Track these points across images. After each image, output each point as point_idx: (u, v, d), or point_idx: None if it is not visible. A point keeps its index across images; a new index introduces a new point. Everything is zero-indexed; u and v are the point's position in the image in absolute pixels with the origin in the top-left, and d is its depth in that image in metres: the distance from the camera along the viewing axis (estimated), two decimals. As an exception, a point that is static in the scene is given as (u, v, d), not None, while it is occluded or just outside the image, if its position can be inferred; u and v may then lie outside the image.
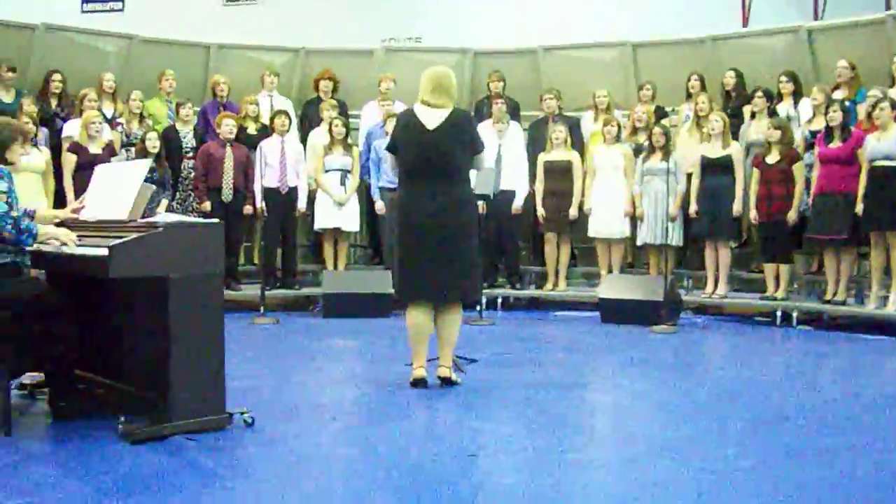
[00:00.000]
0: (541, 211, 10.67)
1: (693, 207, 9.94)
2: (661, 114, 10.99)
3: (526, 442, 4.99)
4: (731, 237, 10.05)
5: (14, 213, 5.05)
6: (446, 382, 6.26)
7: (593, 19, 12.90)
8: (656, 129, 10.08)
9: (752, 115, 10.25)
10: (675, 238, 10.08)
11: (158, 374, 4.99)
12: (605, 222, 10.42)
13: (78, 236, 5.24)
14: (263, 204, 10.22)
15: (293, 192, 10.64)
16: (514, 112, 11.37)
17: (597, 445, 5.09)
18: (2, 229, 5.02)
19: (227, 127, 10.33)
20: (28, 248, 5.20)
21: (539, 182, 10.68)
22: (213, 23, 13.88)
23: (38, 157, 9.33)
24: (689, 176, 10.08)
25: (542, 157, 10.71)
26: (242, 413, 5.18)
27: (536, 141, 11.08)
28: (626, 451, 4.88)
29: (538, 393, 6.21)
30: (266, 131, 10.85)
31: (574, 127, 11.08)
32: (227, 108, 11.17)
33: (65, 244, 5.16)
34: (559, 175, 10.57)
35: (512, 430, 5.27)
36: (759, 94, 10.13)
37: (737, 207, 9.75)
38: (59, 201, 9.40)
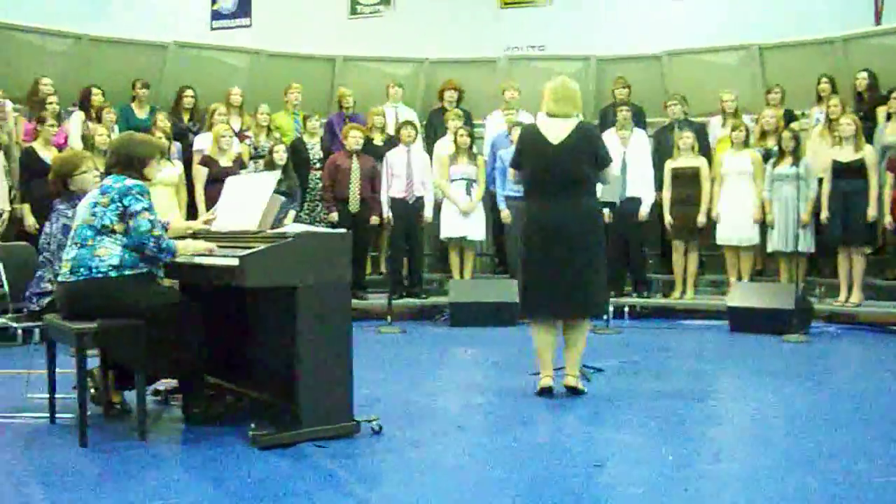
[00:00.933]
0: (668, 218, 10.54)
1: (824, 213, 9.68)
2: (790, 117, 10.72)
3: (653, 452, 4.92)
4: (864, 243, 9.75)
5: (156, 232, 5.18)
6: (573, 391, 6.22)
7: (718, 22, 12.63)
8: (786, 134, 9.86)
9: (888, 117, 9.94)
10: (807, 245, 9.84)
11: (287, 382, 5.06)
12: (734, 229, 10.23)
13: (209, 247, 5.37)
14: (390, 214, 10.31)
15: (419, 201, 10.71)
16: (638, 118, 11.26)
17: (726, 457, 4.96)
18: (145, 247, 5.16)
19: (353, 138, 10.45)
20: (161, 259, 5.33)
21: (666, 189, 10.55)
22: (338, 36, 14.02)
23: (172, 171, 9.58)
24: (821, 181, 9.82)
25: (669, 164, 10.58)
26: (370, 421, 5.22)
27: (662, 147, 10.95)
28: (757, 463, 4.75)
29: (666, 402, 6.12)
30: (392, 142, 10.95)
31: (700, 132, 10.92)
32: (353, 120, 11.31)
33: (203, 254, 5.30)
34: (687, 181, 10.43)
35: (639, 441, 5.19)
36: (895, 95, 9.82)
37: (871, 212, 9.47)
38: (191, 213, 9.63)
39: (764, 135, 10.50)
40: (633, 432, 5.37)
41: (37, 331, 6.42)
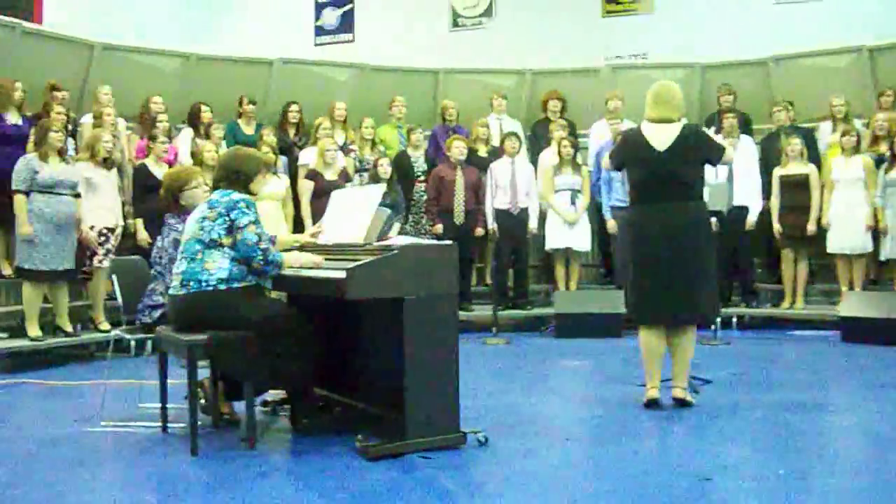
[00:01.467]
0: (777, 226, 10.34)
1: (940, 220, 9.42)
2: (903, 122, 10.47)
3: (764, 467, 4.81)
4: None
5: (263, 245, 5.25)
6: (681, 403, 6.12)
7: (825, 25, 12.37)
8: (898, 138, 9.61)
9: None
10: (923, 252, 9.57)
11: (395, 393, 5.08)
12: (846, 237, 10.01)
13: (316, 259, 5.43)
14: (495, 225, 10.30)
15: (524, 212, 10.68)
16: (745, 126, 11.08)
17: (841, 473, 4.82)
18: (252, 259, 5.24)
19: (457, 149, 10.48)
20: (269, 272, 5.40)
21: (775, 197, 10.36)
22: (441, 48, 14.11)
23: (279, 185, 9.70)
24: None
25: (778, 171, 10.39)
26: (476, 432, 5.21)
27: (769, 154, 10.76)
28: (873, 479, 4.62)
29: (776, 415, 5.99)
30: (496, 153, 10.96)
31: (808, 138, 10.70)
32: (457, 132, 11.34)
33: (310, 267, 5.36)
34: (796, 189, 10.22)
35: (749, 454, 5.09)
36: None
37: None
38: (298, 226, 9.74)
39: (876, 140, 10.26)
40: (742, 446, 5.28)
41: (149, 342, 6.57)
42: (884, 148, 10.01)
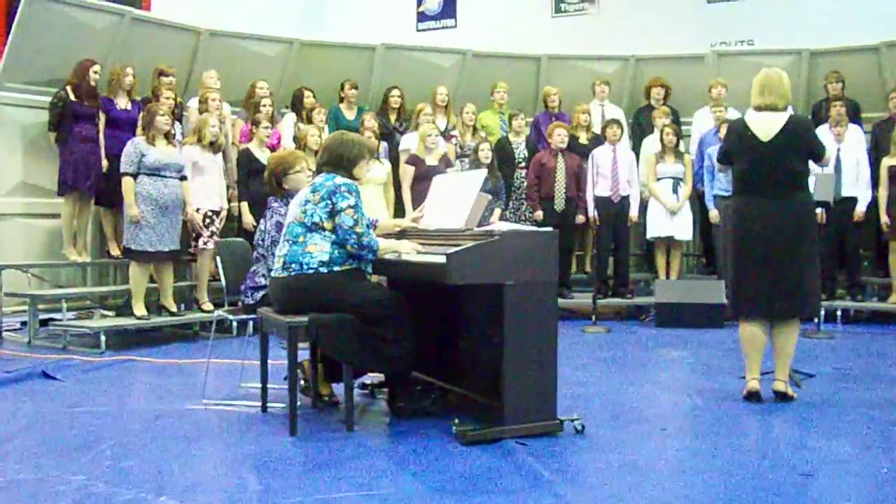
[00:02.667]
0: (884, 218, 10.09)
1: None
2: None
3: (867, 463, 4.70)
4: None
5: (358, 229, 5.28)
6: (781, 397, 6.02)
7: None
8: None
9: None
10: None
11: (493, 379, 5.09)
12: (958, 229, 9.72)
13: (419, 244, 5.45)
14: (595, 213, 10.24)
15: (625, 200, 10.61)
16: (854, 114, 10.83)
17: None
18: (346, 242, 5.28)
19: (558, 136, 10.44)
20: (369, 256, 5.44)
21: (882, 187, 10.11)
22: (543, 34, 14.07)
23: (380, 170, 9.77)
24: None
25: (886, 162, 10.13)
26: (573, 420, 5.19)
27: (880, 144, 10.51)
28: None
29: (881, 412, 5.85)
30: (598, 140, 10.89)
31: (922, 128, 10.43)
32: (559, 118, 11.28)
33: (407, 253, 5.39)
34: (905, 180, 9.97)
35: (851, 450, 4.97)
36: None
37: None
38: (399, 211, 9.80)
39: None
40: (845, 441, 5.15)
41: (251, 323, 6.66)
42: None
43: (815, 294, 6.19)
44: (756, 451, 5.03)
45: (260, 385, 5.81)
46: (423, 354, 5.65)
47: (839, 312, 10.29)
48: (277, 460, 4.68)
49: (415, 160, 10.12)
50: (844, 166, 10.05)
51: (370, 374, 6.10)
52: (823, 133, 9.84)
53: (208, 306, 9.25)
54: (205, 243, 9.11)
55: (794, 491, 4.21)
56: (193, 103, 10.14)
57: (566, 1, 14.69)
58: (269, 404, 5.79)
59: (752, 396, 6.00)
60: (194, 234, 9.15)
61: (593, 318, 9.76)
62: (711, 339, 9.01)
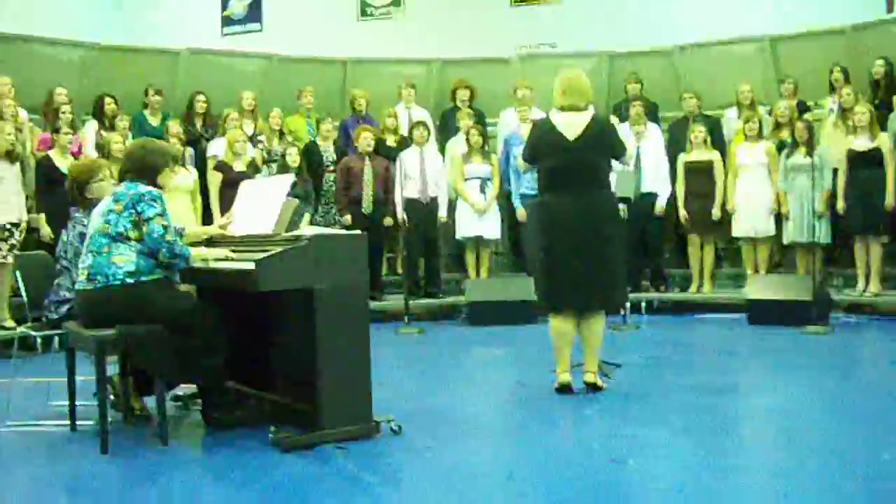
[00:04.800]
0: (683, 213, 10.51)
1: (840, 203, 9.63)
2: (803, 108, 10.69)
3: (676, 448, 4.90)
4: (882, 232, 9.66)
5: (169, 238, 5.19)
6: (592, 388, 6.19)
7: (729, 14, 12.58)
8: (799, 125, 9.80)
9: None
10: (824, 235, 9.80)
11: (307, 384, 5.07)
12: (751, 221, 10.19)
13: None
14: (405, 215, 10.29)
15: (434, 202, 10.70)
16: (652, 113, 11.24)
17: (753, 450, 4.94)
18: (157, 252, 5.18)
19: (364, 140, 10.46)
20: (176, 264, 5.35)
21: (680, 183, 10.53)
22: (349, 38, 14.05)
23: (187, 177, 9.59)
24: (836, 171, 9.77)
25: (683, 158, 10.55)
26: (389, 421, 5.22)
27: (677, 141, 10.93)
28: (784, 456, 4.74)
29: (688, 397, 6.10)
30: (405, 143, 10.96)
31: (714, 126, 10.89)
32: (367, 122, 11.31)
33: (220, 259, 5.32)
34: (700, 175, 10.40)
35: (663, 436, 5.17)
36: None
37: (889, 201, 9.40)
38: (207, 218, 9.65)
39: (778, 126, 10.46)
40: (655, 428, 5.35)
41: (56, 339, 6.45)
42: (786, 134, 10.24)
43: (622, 287, 6.42)
44: (570, 443, 5.18)
45: (68, 403, 5.63)
46: (236, 363, 5.59)
47: (644, 304, 10.65)
48: (90, 480, 4.57)
49: (222, 166, 9.97)
50: (644, 163, 10.38)
51: (183, 386, 5.99)
52: (624, 132, 10.15)
53: (10, 323, 8.89)
54: (3, 257, 8.76)
55: (609, 479, 4.36)
56: (-15, 112, 9.74)
57: (372, 5, 14.72)
58: (78, 422, 5.60)
59: (564, 389, 6.14)
60: (-8, 249, 8.80)
61: (406, 319, 9.81)
62: (523, 336, 9.17)
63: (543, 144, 6.24)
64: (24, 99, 9.94)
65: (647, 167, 10.38)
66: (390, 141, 11.10)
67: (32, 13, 12.65)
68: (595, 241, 6.05)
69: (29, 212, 9.19)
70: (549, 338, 6.26)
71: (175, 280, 5.40)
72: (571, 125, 6.13)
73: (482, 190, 10.65)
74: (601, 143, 6.14)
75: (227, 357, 5.36)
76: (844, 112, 9.95)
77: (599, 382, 6.23)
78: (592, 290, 6.08)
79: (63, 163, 9.01)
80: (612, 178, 6.44)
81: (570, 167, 6.10)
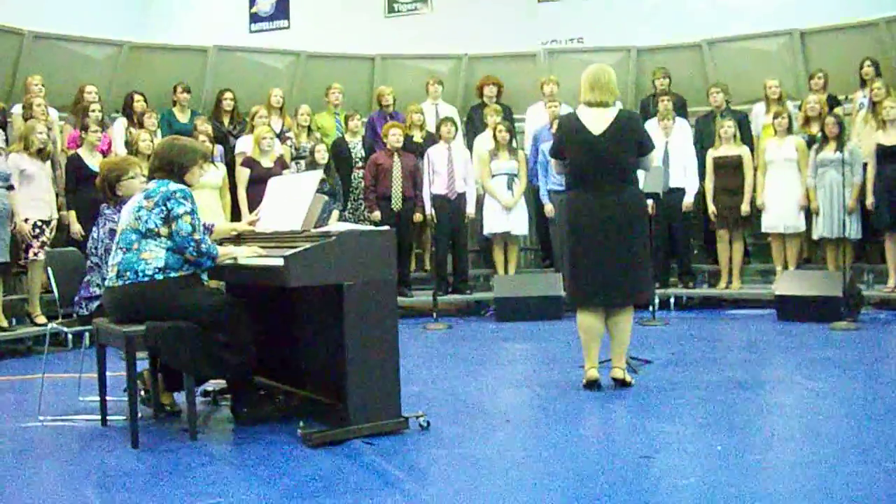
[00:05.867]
0: (711, 208, 10.47)
1: (870, 198, 9.56)
2: (833, 102, 10.59)
3: (704, 443, 4.89)
4: (912, 228, 9.59)
5: (196, 236, 5.22)
6: (620, 384, 6.20)
7: (758, 8, 12.53)
8: (829, 119, 9.74)
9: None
10: (854, 231, 9.72)
11: (336, 380, 5.09)
12: (780, 217, 10.14)
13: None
14: (433, 211, 10.30)
15: (461, 198, 10.71)
16: (680, 108, 11.20)
17: (779, 446, 4.92)
18: (185, 250, 5.21)
19: (393, 136, 10.47)
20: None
21: (708, 179, 10.48)
22: (377, 34, 14.09)
23: (216, 174, 9.62)
24: (866, 166, 9.69)
25: (711, 153, 10.51)
26: (418, 417, 5.24)
27: (704, 136, 10.89)
28: (811, 452, 4.71)
29: (715, 393, 6.08)
30: (433, 139, 10.96)
31: (742, 121, 10.84)
32: (394, 118, 11.32)
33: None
34: (729, 170, 10.36)
35: (689, 432, 5.16)
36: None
37: (917, 197, 9.33)
38: (235, 214, 9.69)
39: (808, 121, 10.41)
40: (682, 423, 5.35)
41: (87, 335, 6.49)
42: (815, 129, 10.18)
43: (648, 282, 6.40)
44: (597, 438, 5.17)
45: (98, 398, 5.66)
46: (265, 358, 5.62)
47: (672, 300, 10.61)
48: (120, 474, 4.59)
49: (250, 163, 10.01)
50: (672, 158, 10.37)
51: (212, 382, 6.03)
52: (652, 127, 10.15)
53: (41, 319, 8.96)
54: (35, 254, 8.82)
55: (636, 473, 4.35)
56: (17, 109, 9.81)
57: (399, 1, 14.74)
58: (109, 417, 5.64)
59: (592, 385, 6.14)
60: (24, 246, 8.85)
61: (434, 314, 9.83)
62: (550, 331, 9.17)
63: (569, 140, 6.24)
64: (53, 97, 10.03)
65: (675, 162, 10.36)
66: (417, 137, 11.11)
67: (62, 12, 12.73)
68: (621, 236, 6.04)
69: (59, 209, 9.26)
70: (578, 333, 6.26)
71: (203, 277, 5.43)
72: (597, 120, 6.12)
73: (509, 186, 10.64)
74: (627, 138, 6.12)
75: (255, 353, 5.37)
76: (874, 106, 9.88)
77: (627, 378, 6.22)
78: (619, 285, 6.07)
79: (92, 160, 9.05)
80: (640, 173, 6.41)
81: (596, 162, 6.08)
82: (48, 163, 9.10)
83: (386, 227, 5.61)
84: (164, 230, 5.21)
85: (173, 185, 5.29)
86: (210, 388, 6.18)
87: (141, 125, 10.00)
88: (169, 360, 5.27)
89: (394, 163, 10.49)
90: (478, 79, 12.17)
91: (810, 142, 10.06)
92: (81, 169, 9.10)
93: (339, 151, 10.76)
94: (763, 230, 10.39)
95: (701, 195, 10.58)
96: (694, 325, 9.57)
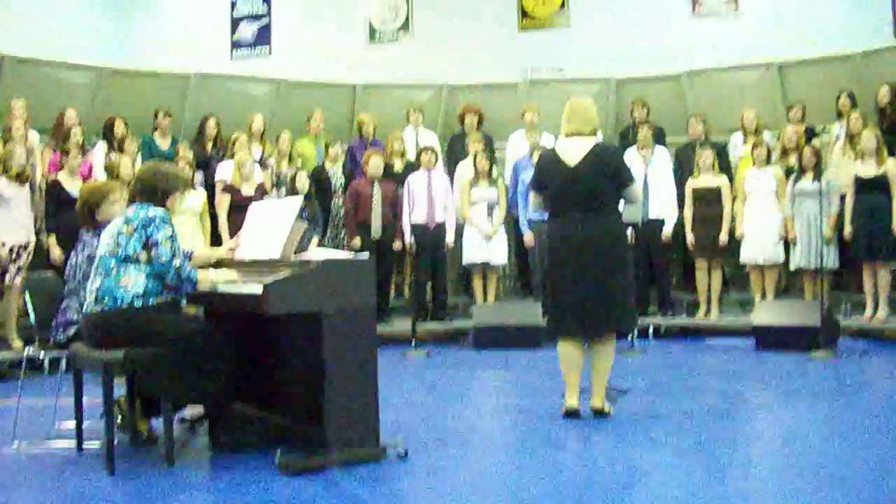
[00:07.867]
0: (690, 237, 10.51)
1: (847, 229, 9.63)
2: (810, 134, 10.70)
3: (683, 472, 4.90)
4: (889, 258, 9.64)
5: (176, 262, 5.22)
6: (599, 413, 6.19)
7: (736, 41, 12.62)
8: (806, 150, 9.84)
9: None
10: (831, 261, 9.78)
11: (314, 407, 5.07)
12: (758, 247, 10.18)
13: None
14: (412, 239, 10.31)
15: (441, 226, 10.71)
16: (659, 138, 11.25)
17: (759, 476, 4.94)
18: (164, 276, 5.20)
19: (374, 164, 10.48)
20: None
21: (688, 208, 10.52)
22: (359, 62, 14.11)
23: (196, 200, 9.61)
24: (843, 196, 9.77)
25: (691, 183, 10.55)
26: (396, 445, 5.22)
27: (684, 166, 10.94)
28: (790, 481, 4.73)
29: (694, 422, 6.09)
30: (413, 167, 10.98)
31: (721, 151, 10.91)
32: (374, 146, 11.34)
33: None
34: (708, 200, 10.40)
35: (668, 461, 5.17)
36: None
37: (895, 226, 9.39)
38: (215, 241, 9.67)
39: (786, 152, 10.49)
40: (661, 452, 5.35)
41: (64, 360, 6.45)
42: (793, 160, 10.24)
43: (631, 312, 6.40)
44: (577, 467, 5.17)
45: (75, 424, 5.63)
46: (243, 385, 5.60)
47: (651, 329, 10.61)
48: (95, 501, 4.56)
49: (230, 189, 10.01)
50: (651, 188, 10.41)
51: (190, 408, 6.00)
52: (632, 155, 10.19)
53: (18, 344, 8.91)
54: (12, 279, 8.78)
55: (615, 502, 4.34)
56: (-5, 132, 9.79)
57: (380, 30, 14.77)
58: (85, 443, 5.61)
59: (571, 414, 6.13)
60: (0, 270, 8.81)
61: (413, 342, 9.81)
62: (530, 360, 9.16)
63: (547, 172, 6.27)
64: (34, 121, 10.00)
65: (654, 191, 10.40)
66: (398, 165, 11.12)
67: (43, 36, 12.71)
68: (601, 266, 6.04)
69: (37, 234, 9.22)
70: (558, 362, 6.26)
71: (182, 303, 5.41)
72: (573, 150, 6.14)
73: (489, 214, 10.66)
74: (603, 168, 6.12)
75: (235, 379, 5.36)
76: (851, 138, 9.97)
77: (606, 408, 6.21)
78: (599, 316, 6.07)
79: (72, 185, 9.04)
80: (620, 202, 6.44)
81: (571, 192, 6.10)
82: (26, 186, 9.07)
83: (365, 255, 5.62)
84: (143, 255, 5.20)
85: (153, 211, 5.29)
86: (188, 415, 6.14)
87: (121, 150, 9.99)
88: (147, 385, 5.25)
89: (374, 191, 10.49)
90: (459, 107, 12.20)
91: (788, 172, 10.13)
92: (61, 193, 9.08)
93: (319, 179, 10.76)
94: (742, 262, 10.42)
95: (680, 225, 10.62)
96: (673, 355, 9.59)
